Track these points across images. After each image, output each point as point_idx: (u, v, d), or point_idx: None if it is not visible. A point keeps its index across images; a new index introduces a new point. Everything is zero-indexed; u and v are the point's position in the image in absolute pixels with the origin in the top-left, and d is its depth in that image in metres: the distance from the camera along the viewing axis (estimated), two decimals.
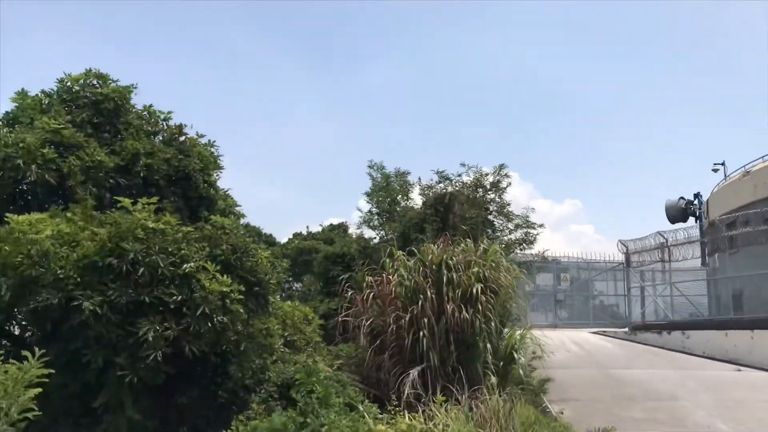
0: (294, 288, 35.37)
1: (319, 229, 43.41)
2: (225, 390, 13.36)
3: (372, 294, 17.11)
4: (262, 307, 13.14)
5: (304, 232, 44.68)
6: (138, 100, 17.66)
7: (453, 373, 15.22)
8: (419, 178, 26.41)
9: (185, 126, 17.70)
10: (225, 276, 12.13)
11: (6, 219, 12.21)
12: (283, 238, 44.73)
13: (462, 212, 22.09)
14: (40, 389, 6.61)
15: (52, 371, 6.50)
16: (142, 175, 16.00)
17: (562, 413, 16.29)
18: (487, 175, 24.57)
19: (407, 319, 15.73)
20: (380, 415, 12.00)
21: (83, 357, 11.17)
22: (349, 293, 18.23)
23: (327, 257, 25.91)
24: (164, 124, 17.88)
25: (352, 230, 34.69)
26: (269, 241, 40.08)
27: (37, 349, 6.43)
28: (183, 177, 16.74)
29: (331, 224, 42.28)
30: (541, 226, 25.60)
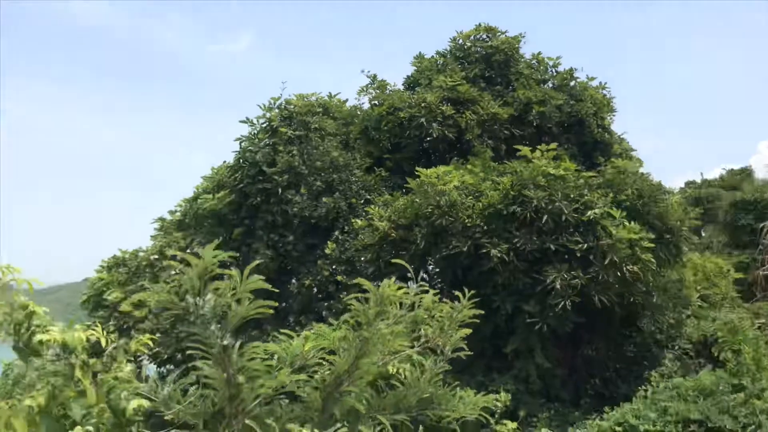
0: (690, 240, 32.46)
1: (716, 175, 39.12)
2: (633, 344, 12.61)
3: None
4: (674, 257, 11.98)
5: (698, 180, 40.72)
6: (525, 49, 17.81)
7: None
8: None
9: (575, 70, 17.24)
10: (632, 222, 11.32)
11: (416, 172, 13.15)
12: (671, 187, 41.41)
13: None
14: (470, 330, 6.57)
15: (482, 312, 6.44)
16: (534, 123, 16.03)
17: None
18: None
19: None
20: None
21: (492, 303, 11.48)
22: None
23: (734, 205, 23.04)
24: (553, 70, 17.66)
25: (760, 174, 30.46)
26: None
27: (466, 290, 6.40)
28: (576, 122, 16.34)
29: (731, 169, 37.68)
30: None
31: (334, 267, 14.84)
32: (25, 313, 4.23)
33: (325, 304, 14.65)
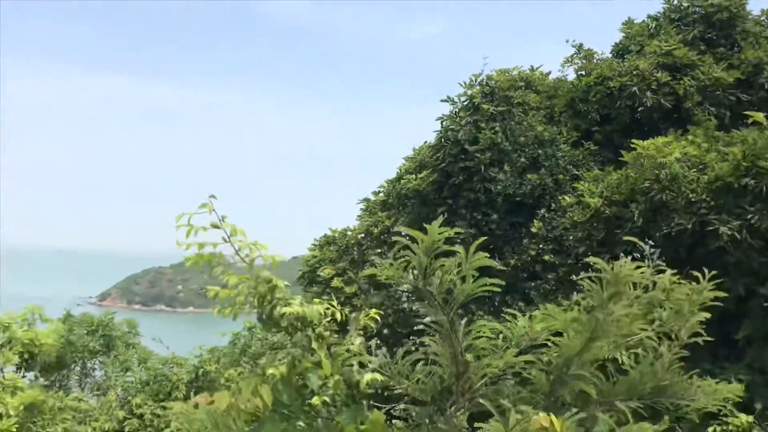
0: None
1: None
2: None
3: None
4: None
5: None
6: (753, 5, 16.17)
7: None
8: None
9: None
10: None
11: (632, 144, 12.38)
12: None
13: None
14: (709, 314, 6.02)
15: (726, 295, 5.87)
16: (766, 87, 14.53)
17: None
18: None
19: None
20: None
21: (721, 285, 10.53)
22: None
23: None
24: None
25: None
26: None
27: (706, 270, 5.86)
28: None
29: None
30: None
31: (540, 246, 14.46)
32: (268, 286, 4.42)
33: (532, 284, 14.32)
